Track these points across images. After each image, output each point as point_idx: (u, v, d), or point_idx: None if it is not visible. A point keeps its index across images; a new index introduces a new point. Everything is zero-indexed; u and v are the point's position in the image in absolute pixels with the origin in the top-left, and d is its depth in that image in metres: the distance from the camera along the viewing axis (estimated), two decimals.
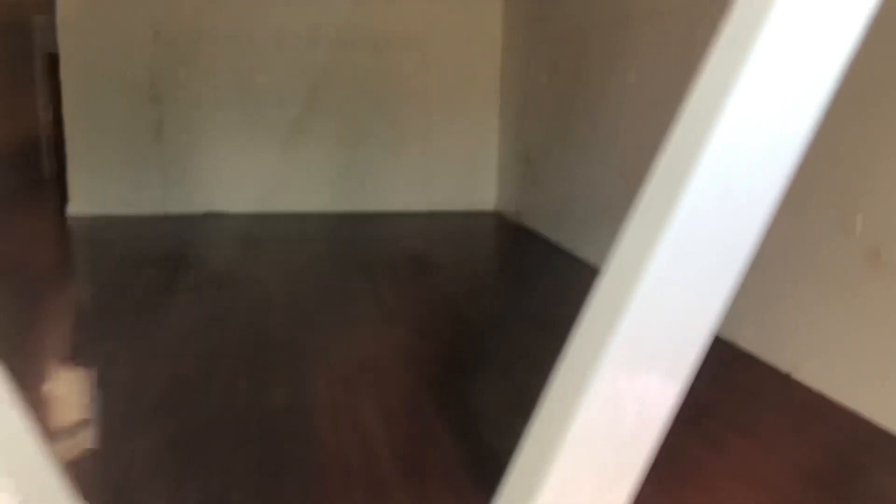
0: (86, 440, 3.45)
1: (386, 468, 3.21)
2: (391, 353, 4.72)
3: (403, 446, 3.42)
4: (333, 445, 3.44)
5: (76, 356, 4.62)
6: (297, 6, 9.25)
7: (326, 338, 5.00)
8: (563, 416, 1.08)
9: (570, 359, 1.15)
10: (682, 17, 5.47)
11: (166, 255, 7.22)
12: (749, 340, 4.63)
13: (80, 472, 3.14)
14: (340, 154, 9.70)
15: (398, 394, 4.07)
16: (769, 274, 4.42)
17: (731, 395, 4.06)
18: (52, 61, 9.57)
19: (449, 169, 9.98)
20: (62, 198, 9.20)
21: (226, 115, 9.35)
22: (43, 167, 12.03)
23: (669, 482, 3.00)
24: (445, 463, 3.23)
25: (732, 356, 4.61)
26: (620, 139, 6.46)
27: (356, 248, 7.75)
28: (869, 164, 3.79)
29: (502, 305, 5.81)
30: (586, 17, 7.12)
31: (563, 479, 1.07)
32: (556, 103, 7.92)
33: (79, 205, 9.16)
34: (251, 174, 9.52)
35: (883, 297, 3.68)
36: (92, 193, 9.17)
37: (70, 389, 4.18)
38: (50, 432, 3.43)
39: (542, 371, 1.32)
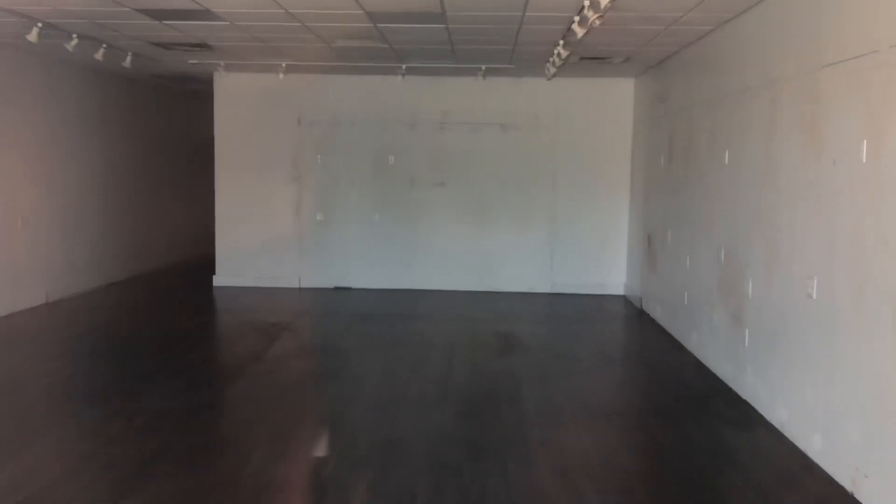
0: None
1: None
2: (425, 434, 4.64)
3: None
4: None
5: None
6: (430, 95, 9.63)
7: (372, 412, 5.01)
8: None
9: None
10: (764, 92, 5.11)
11: (276, 325, 7.59)
12: None
13: None
14: (466, 233, 9.82)
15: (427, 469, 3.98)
16: None
17: None
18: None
19: (577, 251, 9.78)
20: (212, 270, 10.01)
21: (359, 194, 9.82)
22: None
23: None
24: None
25: None
26: (717, 224, 6.06)
27: (458, 327, 7.73)
28: None
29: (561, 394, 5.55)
30: (694, 95, 6.83)
31: None
32: (670, 185, 7.59)
33: (223, 278, 9.92)
34: (381, 251, 9.86)
35: None
36: (235, 267, 9.90)
37: None
38: None
39: None
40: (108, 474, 3.93)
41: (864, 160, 3.78)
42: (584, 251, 9.79)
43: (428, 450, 4.36)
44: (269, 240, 9.90)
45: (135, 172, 10.56)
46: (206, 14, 6.06)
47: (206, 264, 10.46)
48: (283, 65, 8.73)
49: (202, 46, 7.67)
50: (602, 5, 4.92)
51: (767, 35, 5.16)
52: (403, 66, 8.66)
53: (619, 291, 9.73)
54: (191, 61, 8.61)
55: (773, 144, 4.94)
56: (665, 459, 4.35)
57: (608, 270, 9.78)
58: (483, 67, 8.64)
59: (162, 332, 7.46)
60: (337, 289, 9.82)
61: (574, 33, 5.96)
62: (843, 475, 3.90)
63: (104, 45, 7.44)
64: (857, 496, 3.74)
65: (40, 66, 8.33)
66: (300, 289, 9.82)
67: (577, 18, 5.67)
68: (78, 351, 6.64)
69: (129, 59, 8.06)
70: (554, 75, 8.64)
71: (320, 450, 4.42)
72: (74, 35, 6.94)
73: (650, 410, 5.27)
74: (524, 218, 9.79)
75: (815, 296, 4.27)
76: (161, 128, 11.34)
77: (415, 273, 9.85)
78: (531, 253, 9.83)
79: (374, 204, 9.83)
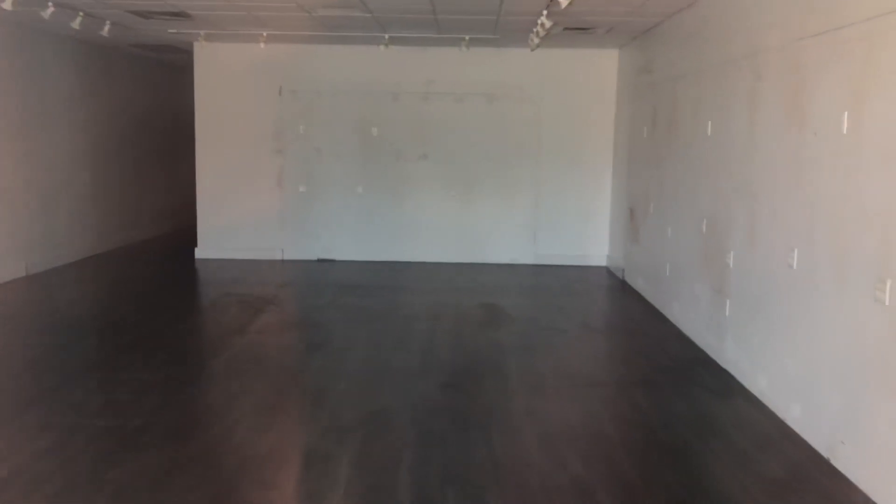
0: None
1: None
2: (410, 405, 4.67)
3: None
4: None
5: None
6: (414, 65, 9.55)
7: (357, 384, 5.03)
8: None
9: None
10: (747, 64, 5.11)
11: (259, 297, 7.57)
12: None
13: None
14: (450, 205, 9.81)
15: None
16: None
17: None
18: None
19: (561, 222, 9.80)
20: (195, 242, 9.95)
21: (342, 165, 9.76)
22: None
23: None
24: None
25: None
26: (699, 195, 6.09)
27: (442, 299, 7.74)
28: None
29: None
30: (678, 66, 6.83)
31: None
32: (653, 156, 7.61)
33: (205, 250, 9.86)
34: (364, 223, 9.83)
35: None
36: (217, 240, 9.85)
37: None
38: None
39: None
40: (93, 447, 3.92)
41: (845, 132, 3.80)
42: (568, 223, 9.82)
43: (413, 421, 4.39)
44: (251, 212, 9.85)
45: (115, 144, 10.44)
46: None
47: (188, 237, 10.40)
48: (265, 34, 8.62)
49: (181, 15, 7.56)
50: None
51: (751, 5, 5.15)
52: (386, 36, 8.58)
53: (602, 263, 9.78)
54: (170, 31, 8.48)
55: (756, 115, 4.96)
56: (647, 428, 4.40)
57: (591, 242, 9.82)
58: (466, 38, 8.57)
59: (144, 304, 7.43)
60: (320, 261, 9.80)
61: (558, 3, 5.92)
62: (820, 443, 3.97)
63: (81, 14, 7.32)
64: (834, 462, 3.81)
65: (15, 35, 8.18)
66: (283, 261, 9.80)
67: None
68: (59, 324, 6.61)
69: (106, 27, 7.93)
70: (538, 46, 8.59)
71: (305, 421, 4.44)
72: (50, 3, 6.81)
73: (632, 380, 5.33)
74: (508, 189, 9.79)
75: (795, 266, 4.31)
76: (141, 98, 11.19)
77: (399, 245, 9.85)
78: (515, 224, 9.84)
79: (357, 176, 9.78)
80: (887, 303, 3.40)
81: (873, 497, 3.46)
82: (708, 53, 6.01)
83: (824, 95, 4.05)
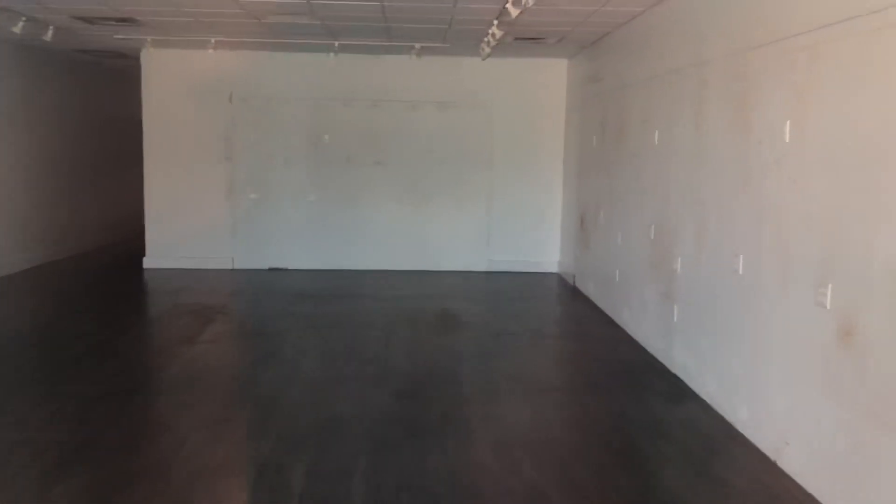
0: None
1: None
2: (364, 413, 4.65)
3: None
4: None
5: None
6: (365, 72, 9.53)
7: (310, 393, 4.99)
8: None
9: None
10: (694, 73, 5.23)
11: (209, 307, 7.47)
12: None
13: None
14: (403, 213, 9.81)
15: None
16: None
17: None
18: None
19: (513, 229, 9.87)
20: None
21: (294, 173, 9.69)
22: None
23: None
24: None
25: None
26: (647, 203, 6.20)
27: (396, 306, 7.73)
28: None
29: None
30: (626, 75, 6.94)
31: None
32: (602, 164, 7.71)
33: (154, 259, 9.69)
34: (317, 231, 9.76)
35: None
36: (165, 249, 9.68)
37: None
38: None
39: None
40: (38, 462, 3.82)
41: (788, 140, 3.91)
42: (520, 229, 9.89)
43: (367, 429, 4.37)
44: (200, 220, 9.70)
45: (60, 151, 10.20)
46: None
47: (136, 246, 10.20)
48: (213, 41, 8.52)
49: (127, 21, 7.43)
50: None
51: (697, 17, 5.27)
52: (336, 44, 8.55)
53: (554, 269, 9.87)
54: (116, 36, 8.33)
55: (703, 124, 5.07)
56: (599, 432, 4.45)
57: (543, 249, 9.91)
58: (418, 46, 8.60)
59: (90, 315, 7.26)
60: (272, 270, 9.71)
61: (508, 13, 5.98)
62: (767, 445, 4.06)
63: (23, 18, 7.14)
64: (780, 464, 3.90)
65: None
66: (233, 270, 9.67)
67: None
68: (2, 336, 6.42)
69: (50, 32, 7.75)
70: (488, 55, 8.65)
71: (257, 431, 4.38)
72: None
73: (584, 385, 5.39)
74: (461, 197, 9.83)
75: (741, 271, 4.41)
76: (87, 105, 10.96)
77: (352, 253, 9.80)
78: (468, 232, 9.88)
79: (309, 183, 9.72)
80: (829, 307, 3.50)
81: (818, 497, 3.55)
82: (655, 63, 6.13)
83: (768, 105, 4.16)
